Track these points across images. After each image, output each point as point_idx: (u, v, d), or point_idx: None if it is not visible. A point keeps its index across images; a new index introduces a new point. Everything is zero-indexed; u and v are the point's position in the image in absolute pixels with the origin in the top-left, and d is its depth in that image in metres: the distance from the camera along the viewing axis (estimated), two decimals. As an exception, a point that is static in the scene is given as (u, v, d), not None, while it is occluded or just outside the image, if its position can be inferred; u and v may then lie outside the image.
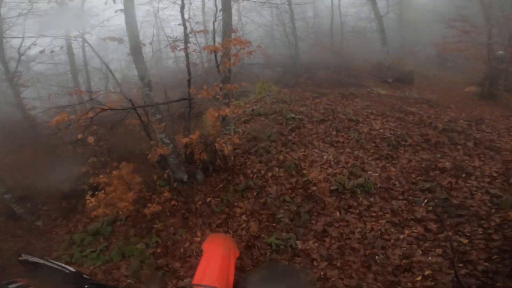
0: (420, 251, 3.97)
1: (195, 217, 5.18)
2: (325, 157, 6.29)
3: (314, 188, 5.30)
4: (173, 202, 5.41)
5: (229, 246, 3.56)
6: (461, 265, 3.67)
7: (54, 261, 3.34)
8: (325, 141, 6.95)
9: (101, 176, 4.86)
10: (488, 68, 9.87)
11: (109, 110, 4.87)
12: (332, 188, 5.27)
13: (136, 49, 5.12)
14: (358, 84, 11.30)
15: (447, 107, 8.62)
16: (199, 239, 4.70)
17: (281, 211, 4.96)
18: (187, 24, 6.30)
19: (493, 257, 3.65)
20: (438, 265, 3.73)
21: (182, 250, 4.54)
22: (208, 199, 5.52)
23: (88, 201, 4.70)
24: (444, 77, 13.85)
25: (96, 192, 4.81)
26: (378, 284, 3.67)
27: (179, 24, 6.34)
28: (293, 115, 8.06)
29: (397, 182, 5.33)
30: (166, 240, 4.79)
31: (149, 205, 5.05)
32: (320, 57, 15.45)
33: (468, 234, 4.10)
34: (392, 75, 12.42)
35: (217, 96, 5.86)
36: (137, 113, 5.25)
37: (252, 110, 9.04)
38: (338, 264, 4.01)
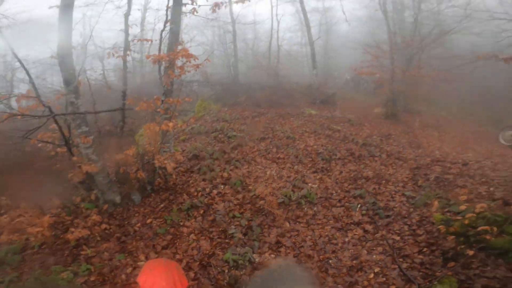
0: (365, 251, 4.41)
1: (134, 240, 4.67)
2: (268, 173, 6.57)
3: (262, 202, 5.45)
4: (104, 226, 4.77)
5: (174, 278, 2.91)
6: (401, 259, 4.18)
7: None
8: (266, 157, 7.29)
9: (3, 198, 3.97)
10: (390, 90, 11.58)
11: (20, 118, 4.11)
12: (279, 201, 5.51)
13: (65, 49, 4.49)
14: (292, 104, 12.27)
15: (363, 125, 10.09)
16: (143, 262, 4.22)
17: (232, 226, 4.92)
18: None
19: (424, 250, 4.26)
20: (383, 262, 4.18)
21: (124, 276, 4.00)
22: (149, 221, 5.08)
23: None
24: (358, 98, 16.00)
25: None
26: (339, 286, 3.91)
27: (120, 30, 5.99)
28: (234, 133, 8.25)
29: (333, 192, 5.93)
30: (100, 267, 4.14)
31: (73, 229, 4.32)
32: (257, 78, 16.12)
33: (398, 231, 4.76)
34: (320, 96, 13.62)
35: (158, 110, 5.58)
36: (57, 123, 4.51)
37: (192, 128, 8.90)
38: (297, 273, 4.14)
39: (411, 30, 13.07)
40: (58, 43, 4.45)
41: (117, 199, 5.36)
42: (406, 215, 5.12)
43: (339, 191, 5.96)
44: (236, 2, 6.69)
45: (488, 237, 3.93)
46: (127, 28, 5.51)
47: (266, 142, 7.97)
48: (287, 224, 5.04)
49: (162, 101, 5.58)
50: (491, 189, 5.92)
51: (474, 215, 4.34)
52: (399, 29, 14.98)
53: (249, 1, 7.08)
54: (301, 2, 14.07)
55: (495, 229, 4.00)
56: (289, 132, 8.56)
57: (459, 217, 4.54)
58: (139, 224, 5.00)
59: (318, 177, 6.44)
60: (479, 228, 4.06)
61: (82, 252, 4.36)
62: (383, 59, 11.85)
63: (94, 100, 5.41)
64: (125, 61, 5.59)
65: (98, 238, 4.60)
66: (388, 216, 5.13)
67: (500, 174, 6.76)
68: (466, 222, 4.32)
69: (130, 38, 5.62)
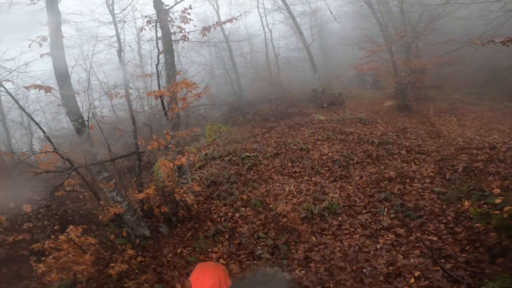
0: (401, 256, 4.15)
1: (169, 270, 4.71)
2: (287, 189, 6.46)
3: (285, 219, 5.33)
4: (139, 259, 4.86)
5: (219, 276, 3.33)
6: (443, 260, 3.90)
7: None
8: (283, 173, 7.19)
9: (48, 241, 4.14)
10: (397, 82, 11.25)
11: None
12: (302, 216, 5.37)
13: (69, 99, 4.63)
14: (300, 113, 12.05)
15: (376, 123, 9.77)
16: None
17: (259, 247, 4.83)
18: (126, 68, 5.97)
19: (467, 248, 3.98)
20: (423, 265, 3.90)
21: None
22: (179, 250, 5.12)
23: (35, 267, 3.95)
24: (365, 95, 15.61)
25: (43, 258, 4.09)
26: (378, 295, 3.67)
27: (117, 69, 6.02)
28: (247, 154, 8.23)
29: (357, 198, 5.72)
30: (144, 298, 4.18)
31: (113, 264, 4.44)
32: (261, 90, 15.98)
33: (434, 231, 4.49)
34: (326, 99, 13.30)
35: (170, 145, 5.65)
36: (79, 174, 4.70)
37: (206, 154, 8.98)
38: (332, 286, 3.94)
39: (399, 20, 12.92)
40: (61, 93, 4.56)
41: (147, 233, 5.51)
42: (440, 213, 4.83)
43: (362, 197, 5.74)
44: (224, 23, 6.63)
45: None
46: (123, 65, 5.54)
47: (280, 158, 7.88)
48: (313, 238, 4.88)
49: (171, 136, 5.63)
50: (527, 172, 5.57)
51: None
52: (388, 20, 14.86)
53: (236, 19, 7.00)
54: (288, 10, 14.05)
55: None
56: (302, 143, 8.44)
57: (497, 211, 4.20)
58: (170, 254, 5.07)
59: (338, 185, 6.26)
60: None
61: (125, 285, 4.46)
62: (381, 53, 11.62)
63: (108, 145, 5.54)
64: (128, 100, 5.63)
65: (137, 271, 4.70)
66: (420, 217, 4.86)
67: (534, 152, 6.35)
68: (505, 215, 3.99)
69: (128, 76, 5.65)
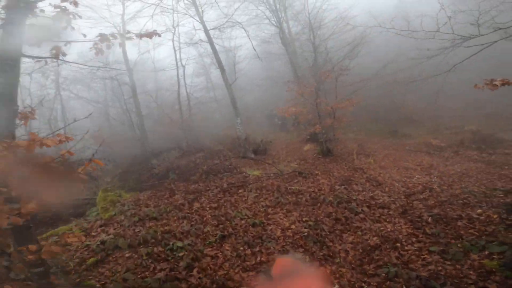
0: None
1: None
2: (262, 292, 4.41)
3: None
4: None
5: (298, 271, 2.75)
6: None
7: None
8: (244, 267, 4.95)
9: None
10: (319, 125, 10.81)
11: None
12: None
13: None
14: (227, 168, 10.08)
15: (315, 175, 9.01)
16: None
17: None
18: None
19: None
20: None
21: None
22: None
23: None
24: (280, 138, 15.15)
25: None
26: None
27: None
28: (180, 244, 5.61)
29: (362, 284, 4.40)
30: None
31: None
32: (169, 135, 13.30)
33: None
34: (250, 148, 11.95)
35: None
36: None
37: (103, 242, 5.61)
38: None
39: (307, 61, 13.70)
40: None
41: None
42: (461, 275, 4.22)
43: (366, 279, 4.46)
44: (141, 36, 4.40)
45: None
46: None
47: (230, 242, 5.65)
48: None
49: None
50: (479, 210, 5.83)
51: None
52: (295, 61, 15.61)
53: (160, 35, 4.82)
54: (212, 45, 12.64)
55: None
56: (250, 214, 6.54)
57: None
58: None
59: (328, 271, 4.73)
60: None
61: None
62: (297, 95, 11.61)
63: None
64: None
65: None
66: (444, 285, 4.08)
67: (465, 189, 6.91)
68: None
69: None
